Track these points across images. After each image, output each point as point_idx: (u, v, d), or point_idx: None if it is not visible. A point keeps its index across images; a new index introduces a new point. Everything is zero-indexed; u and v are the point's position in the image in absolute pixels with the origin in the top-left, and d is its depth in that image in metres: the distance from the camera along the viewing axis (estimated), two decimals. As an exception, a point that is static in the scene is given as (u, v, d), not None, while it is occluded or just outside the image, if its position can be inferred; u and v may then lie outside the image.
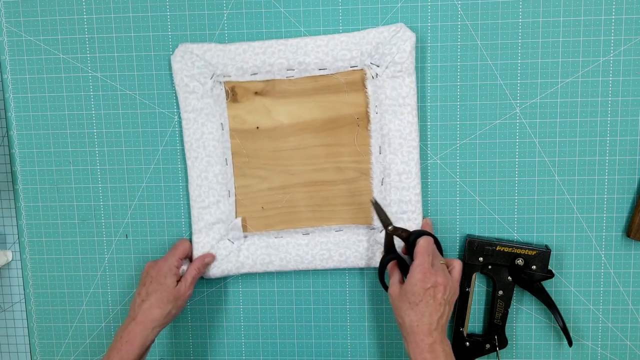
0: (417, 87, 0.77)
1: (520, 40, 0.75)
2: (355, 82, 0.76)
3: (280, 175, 0.79)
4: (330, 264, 0.79)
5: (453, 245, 0.80)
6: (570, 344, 0.78)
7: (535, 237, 0.79)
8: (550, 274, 0.76)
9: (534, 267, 0.77)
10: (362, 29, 0.76)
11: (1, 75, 0.81)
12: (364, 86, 0.76)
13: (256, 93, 0.77)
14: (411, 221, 0.77)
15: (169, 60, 0.79)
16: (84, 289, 0.85)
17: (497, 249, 0.77)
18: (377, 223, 0.78)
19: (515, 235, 0.79)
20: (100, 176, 0.82)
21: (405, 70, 0.74)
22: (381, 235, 0.77)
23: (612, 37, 0.74)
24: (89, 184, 0.83)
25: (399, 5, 0.76)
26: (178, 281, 0.76)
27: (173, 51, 0.78)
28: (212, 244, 0.80)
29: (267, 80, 0.77)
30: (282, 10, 0.77)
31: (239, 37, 0.78)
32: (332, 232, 0.79)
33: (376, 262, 0.78)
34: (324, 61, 0.76)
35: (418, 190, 0.76)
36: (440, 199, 0.79)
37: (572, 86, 0.76)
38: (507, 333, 0.80)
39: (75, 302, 0.85)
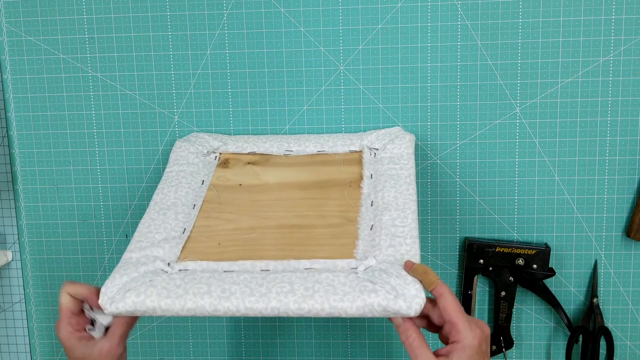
0: (417, 87, 0.77)
1: (520, 40, 0.75)
2: (354, 159, 0.75)
3: (251, 219, 0.67)
4: (290, 300, 0.55)
5: (453, 245, 0.80)
6: (576, 341, 0.78)
7: (535, 237, 0.79)
8: (551, 272, 0.76)
9: (534, 266, 0.77)
10: (362, 29, 0.76)
11: (1, 75, 0.81)
12: (361, 161, 0.74)
13: (249, 163, 0.76)
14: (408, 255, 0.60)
15: (170, 57, 0.79)
16: (84, 289, 0.85)
17: (497, 250, 0.77)
18: (360, 255, 0.61)
19: (515, 236, 0.79)
20: (100, 176, 0.82)
21: (406, 155, 0.73)
22: (365, 264, 0.59)
23: (612, 37, 0.74)
24: (89, 184, 0.83)
25: (399, 5, 0.76)
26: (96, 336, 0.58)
27: (173, 51, 0.78)
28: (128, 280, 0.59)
29: (263, 154, 0.77)
30: (282, 10, 0.77)
31: (239, 37, 0.78)
32: (301, 269, 0.60)
33: (353, 298, 0.55)
34: (323, 146, 0.76)
35: (415, 233, 0.62)
36: (440, 199, 0.79)
37: (572, 86, 0.76)
38: (512, 333, 0.80)
39: (75, 302, 0.85)
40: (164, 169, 0.81)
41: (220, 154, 0.77)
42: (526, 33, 0.75)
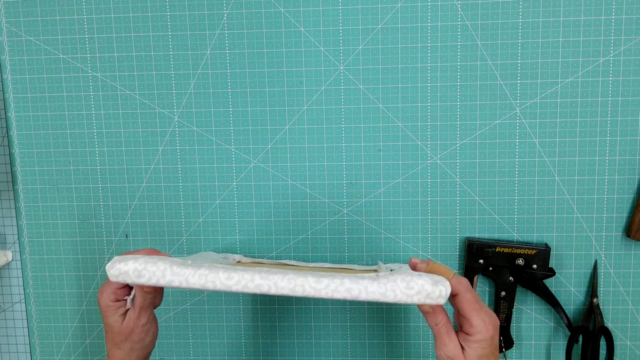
0: (417, 87, 0.77)
1: (520, 40, 0.75)
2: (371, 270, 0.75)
3: (265, 266, 0.66)
4: (308, 274, 0.55)
5: (453, 246, 0.80)
6: (576, 341, 0.78)
7: (535, 237, 0.79)
8: (551, 272, 0.77)
9: (534, 266, 0.77)
10: (362, 29, 0.76)
11: (1, 75, 0.81)
12: (378, 271, 0.74)
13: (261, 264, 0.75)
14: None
15: (170, 57, 0.79)
16: (84, 289, 0.85)
17: (497, 250, 0.77)
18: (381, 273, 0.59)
19: (515, 236, 0.79)
20: (100, 176, 0.82)
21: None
22: (385, 267, 0.59)
23: (612, 37, 0.74)
24: (89, 184, 0.83)
25: (399, 5, 0.76)
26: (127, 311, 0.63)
27: (173, 51, 0.79)
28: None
29: (279, 263, 0.77)
30: (282, 10, 0.77)
31: (239, 37, 0.78)
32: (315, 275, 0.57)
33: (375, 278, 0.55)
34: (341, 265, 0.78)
35: None
36: (440, 199, 0.79)
37: (572, 86, 0.76)
38: (512, 333, 0.80)
39: (75, 302, 0.85)
40: (164, 169, 0.81)
41: (233, 260, 0.77)
42: (526, 33, 0.75)
